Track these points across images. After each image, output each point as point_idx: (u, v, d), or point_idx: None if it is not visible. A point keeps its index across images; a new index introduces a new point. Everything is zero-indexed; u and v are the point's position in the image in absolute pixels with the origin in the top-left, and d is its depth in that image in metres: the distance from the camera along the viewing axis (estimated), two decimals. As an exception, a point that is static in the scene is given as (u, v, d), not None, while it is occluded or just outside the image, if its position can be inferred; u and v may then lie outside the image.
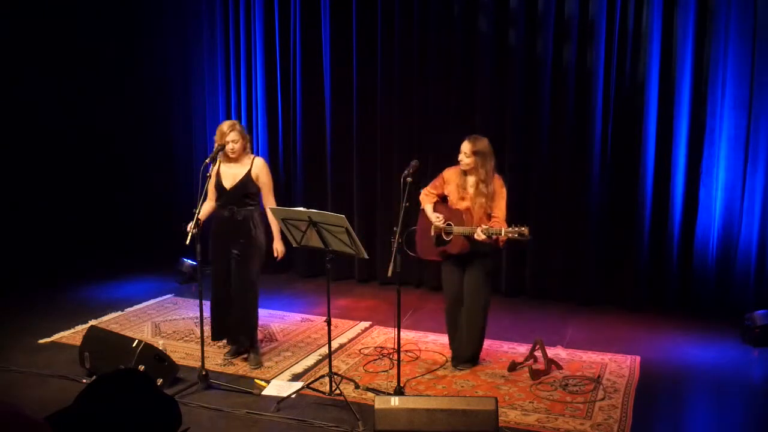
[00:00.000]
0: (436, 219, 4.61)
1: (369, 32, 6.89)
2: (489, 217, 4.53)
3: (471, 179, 4.57)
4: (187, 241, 4.51)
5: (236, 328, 4.91)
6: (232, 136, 4.70)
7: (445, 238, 4.60)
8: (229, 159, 4.75)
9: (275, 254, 4.87)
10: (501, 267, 6.62)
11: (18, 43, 7.66)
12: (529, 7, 6.29)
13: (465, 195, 4.58)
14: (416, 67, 6.75)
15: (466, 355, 4.76)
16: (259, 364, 4.83)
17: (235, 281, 4.81)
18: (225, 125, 4.76)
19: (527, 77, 6.38)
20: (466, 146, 4.54)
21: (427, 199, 4.76)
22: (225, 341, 5.08)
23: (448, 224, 4.57)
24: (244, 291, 4.81)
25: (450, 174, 4.67)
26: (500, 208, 4.55)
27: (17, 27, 7.64)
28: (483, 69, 6.48)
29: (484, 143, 4.54)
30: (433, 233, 4.67)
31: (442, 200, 4.74)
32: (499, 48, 6.45)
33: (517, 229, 4.29)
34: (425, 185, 4.89)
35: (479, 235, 4.34)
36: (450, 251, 4.59)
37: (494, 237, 4.38)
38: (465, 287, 4.67)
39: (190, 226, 4.44)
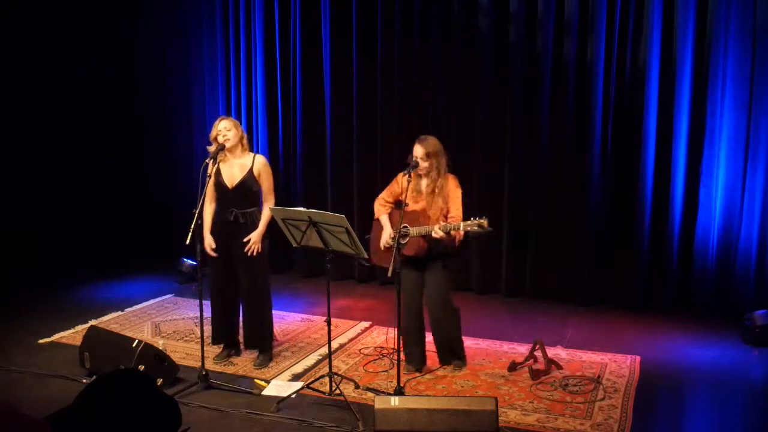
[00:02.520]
0: (389, 235, 4.51)
1: (369, 32, 6.89)
2: (446, 218, 4.43)
3: (424, 182, 4.48)
4: (187, 241, 4.52)
5: (252, 337, 4.90)
6: (224, 124, 4.71)
7: (401, 242, 4.43)
8: (227, 157, 4.72)
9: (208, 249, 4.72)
10: (500, 267, 6.64)
11: (18, 43, 7.66)
12: (529, 6, 6.30)
13: (419, 198, 4.48)
14: (416, 67, 6.75)
15: (451, 354, 4.68)
16: (262, 365, 4.82)
17: (247, 289, 4.78)
18: (216, 122, 4.80)
19: (527, 78, 6.38)
20: (418, 150, 4.42)
21: (382, 209, 4.66)
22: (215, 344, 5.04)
23: (404, 226, 4.43)
24: (257, 298, 4.80)
25: (404, 179, 4.46)
26: (457, 208, 4.46)
27: (18, 29, 7.64)
28: (483, 69, 6.48)
29: (434, 142, 4.45)
30: (387, 244, 4.54)
31: (396, 206, 4.61)
32: (499, 47, 6.45)
33: (475, 221, 4.15)
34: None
35: (437, 233, 4.24)
36: (406, 253, 4.44)
37: (452, 232, 4.26)
38: (429, 294, 4.56)
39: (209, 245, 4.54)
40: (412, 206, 4.49)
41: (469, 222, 4.19)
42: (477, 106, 6.57)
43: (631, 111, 6.10)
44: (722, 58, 5.74)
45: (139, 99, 8.26)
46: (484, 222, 4.14)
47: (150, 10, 8.08)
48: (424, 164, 4.43)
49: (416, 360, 4.69)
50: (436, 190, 4.43)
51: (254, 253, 4.66)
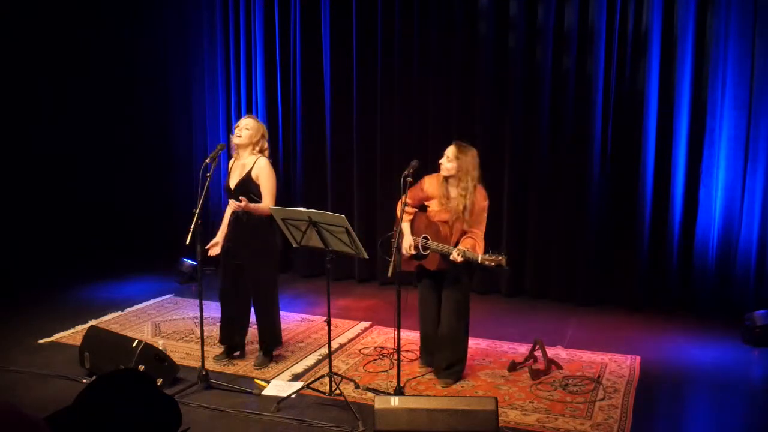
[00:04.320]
0: (408, 241, 4.38)
1: (369, 32, 6.89)
2: (465, 232, 4.34)
3: (453, 189, 4.34)
4: (188, 241, 4.52)
5: (261, 338, 4.89)
6: (246, 121, 4.69)
7: (422, 252, 4.39)
8: (240, 156, 4.71)
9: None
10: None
11: (17, 44, 7.66)
12: (529, 7, 6.29)
13: (448, 207, 4.33)
14: (416, 67, 6.75)
15: (446, 370, 4.54)
16: (262, 366, 4.82)
17: (252, 291, 4.78)
18: (243, 117, 4.81)
19: (527, 78, 6.38)
20: (451, 150, 4.31)
21: (405, 216, 4.44)
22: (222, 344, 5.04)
23: (425, 237, 4.37)
24: (262, 301, 4.79)
25: (431, 183, 4.43)
26: (479, 222, 4.34)
27: (19, 32, 7.64)
28: (483, 69, 6.49)
29: (471, 153, 4.31)
30: (407, 253, 4.43)
31: (420, 209, 4.51)
32: (500, 47, 6.45)
33: (494, 257, 4.07)
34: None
35: (455, 257, 4.15)
36: (428, 267, 4.38)
37: (471, 260, 4.17)
38: (444, 307, 4.47)
39: (214, 243, 4.61)
40: (436, 215, 4.38)
41: (487, 256, 4.11)
42: (477, 106, 6.57)
43: (631, 111, 6.10)
44: (722, 58, 5.75)
45: (139, 99, 8.26)
46: (503, 260, 4.07)
47: (150, 11, 8.08)
48: (448, 165, 4.30)
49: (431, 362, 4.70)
50: (467, 205, 4.27)
51: (238, 208, 4.52)
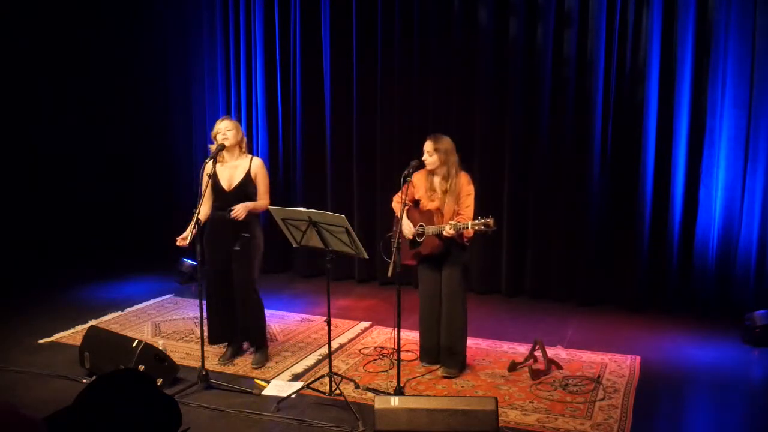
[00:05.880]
0: (408, 228, 4.55)
1: (369, 32, 6.89)
2: (458, 215, 4.52)
3: (437, 179, 4.56)
4: (187, 241, 4.52)
5: (246, 330, 4.90)
6: (225, 124, 4.75)
7: (418, 239, 4.54)
8: (225, 158, 4.73)
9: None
10: (501, 267, 6.64)
11: (17, 44, 7.66)
12: (529, 6, 6.30)
13: (434, 196, 4.55)
14: (416, 66, 6.75)
15: (450, 358, 4.65)
16: (261, 364, 4.82)
17: (239, 283, 4.78)
18: (217, 122, 4.85)
19: (527, 78, 6.38)
20: (428, 145, 4.53)
21: (399, 207, 4.60)
22: (224, 344, 5.03)
23: (420, 225, 4.52)
24: (250, 292, 4.80)
25: (418, 178, 4.61)
26: (467, 206, 4.53)
27: (19, 32, 7.64)
28: (483, 69, 6.49)
29: (446, 141, 4.53)
30: (409, 237, 4.59)
31: (414, 204, 4.65)
32: (499, 47, 6.45)
33: (482, 220, 4.26)
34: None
35: (448, 231, 4.32)
36: (422, 252, 4.55)
37: (462, 231, 4.36)
38: (443, 289, 4.63)
39: (183, 236, 4.54)
40: (427, 205, 4.57)
41: (476, 221, 4.29)
42: (477, 106, 6.57)
43: (631, 111, 6.10)
44: (722, 57, 5.74)
45: (139, 99, 8.25)
46: (491, 221, 4.25)
47: (150, 11, 8.08)
48: (430, 159, 4.51)
49: (432, 356, 4.75)
50: (449, 189, 4.51)
51: (237, 218, 4.58)
